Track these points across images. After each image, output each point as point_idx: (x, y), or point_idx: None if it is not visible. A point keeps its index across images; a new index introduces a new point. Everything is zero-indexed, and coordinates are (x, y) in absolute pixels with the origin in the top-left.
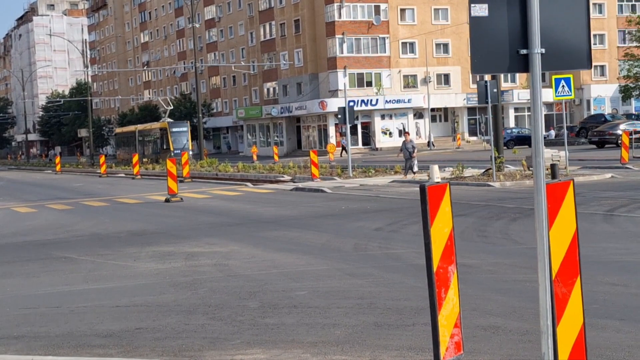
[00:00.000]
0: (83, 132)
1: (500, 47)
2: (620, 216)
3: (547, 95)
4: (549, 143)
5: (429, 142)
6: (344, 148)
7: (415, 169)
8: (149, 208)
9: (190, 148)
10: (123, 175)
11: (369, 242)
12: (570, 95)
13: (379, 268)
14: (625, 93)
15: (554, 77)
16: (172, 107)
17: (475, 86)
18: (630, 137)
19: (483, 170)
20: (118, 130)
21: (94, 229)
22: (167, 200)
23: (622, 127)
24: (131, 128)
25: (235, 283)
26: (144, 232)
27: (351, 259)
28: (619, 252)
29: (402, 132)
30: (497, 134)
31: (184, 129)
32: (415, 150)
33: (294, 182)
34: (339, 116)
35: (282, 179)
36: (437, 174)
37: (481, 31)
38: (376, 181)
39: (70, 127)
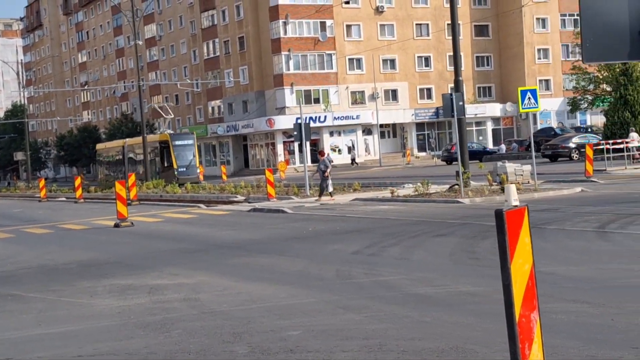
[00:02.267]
0: (19, 156)
1: (618, 30)
2: (615, 232)
3: (494, 110)
4: (508, 157)
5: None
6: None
7: (330, 188)
8: (97, 234)
9: (197, 165)
10: (64, 199)
11: (352, 268)
12: (537, 107)
13: (373, 299)
14: (574, 106)
15: (519, 89)
16: (172, 116)
17: (423, 101)
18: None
19: (448, 187)
20: (100, 146)
21: (41, 259)
22: (116, 225)
23: (575, 141)
24: (118, 142)
25: (213, 322)
26: (97, 263)
27: (337, 288)
28: (636, 274)
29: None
30: (462, 148)
31: (190, 141)
32: (329, 170)
33: (249, 202)
34: (295, 133)
35: (235, 199)
36: (515, 196)
37: (594, 12)
38: (338, 199)
39: (6, 150)
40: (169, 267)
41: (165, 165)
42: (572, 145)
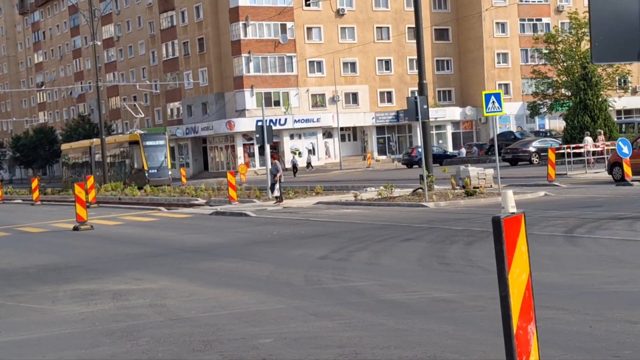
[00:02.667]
0: None
1: (628, 30)
2: (583, 237)
3: (454, 113)
4: (469, 161)
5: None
6: (294, 167)
7: (277, 193)
8: (56, 237)
9: (169, 167)
10: (21, 201)
11: (320, 273)
12: (501, 111)
13: (345, 305)
14: (533, 110)
15: (483, 92)
16: (142, 115)
17: (383, 105)
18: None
19: (412, 190)
20: (65, 146)
21: None
22: (75, 229)
23: (535, 145)
24: (84, 143)
25: (182, 329)
26: (57, 267)
27: (308, 294)
28: (610, 280)
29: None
30: (427, 152)
31: (161, 142)
32: (279, 174)
33: (210, 205)
34: (257, 135)
35: (196, 202)
36: (512, 202)
37: (604, 12)
38: (299, 202)
39: None
40: (132, 272)
41: (135, 166)
42: (532, 149)
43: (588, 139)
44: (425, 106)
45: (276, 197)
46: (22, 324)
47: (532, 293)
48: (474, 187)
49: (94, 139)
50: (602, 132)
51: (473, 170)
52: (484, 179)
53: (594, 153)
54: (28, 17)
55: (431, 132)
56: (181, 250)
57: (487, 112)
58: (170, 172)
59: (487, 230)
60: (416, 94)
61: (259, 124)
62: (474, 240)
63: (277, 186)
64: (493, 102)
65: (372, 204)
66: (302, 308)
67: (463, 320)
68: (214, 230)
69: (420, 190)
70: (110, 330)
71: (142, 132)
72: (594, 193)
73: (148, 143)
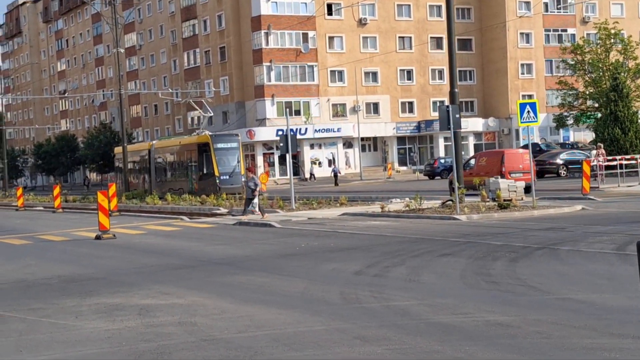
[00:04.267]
0: None
1: None
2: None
3: (476, 124)
4: None
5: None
6: (336, 175)
7: (256, 208)
8: (78, 247)
9: (242, 172)
10: (42, 208)
11: (357, 290)
12: (536, 121)
13: (391, 328)
14: (559, 122)
15: (518, 102)
16: (211, 114)
17: (404, 115)
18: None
19: (440, 202)
20: (120, 149)
21: (18, 273)
22: (97, 237)
23: (563, 157)
24: (143, 145)
25: (216, 352)
26: (80, 278)
27: (347, 314)
28: None
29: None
30: (458, 163)
31: (234, 144)
32: (258, 188)
33: (233, 215)
34: (281, 144)
35: (218, 211)
36: None
37: None
38: (324, 214)
39: None
40: (158, 285)
41: (205, 172)
42: (559, 161)
43: (598, 151)
44: (457, 115)
45: (245, 212)
46: (44, 342)
47: None
48: (505, 200)
49: (154, 141)
50: (601, 146)
51: (503, 182)
52: (515, 191)
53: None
54: (52, 25)
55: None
56: (207, 262)
57: (521, 122)
58: (243, 179)
59: (530, 247)
60: (446, 103)
61: (282, 133)
62: (517, 256)
63: (255, 201)
64: (528, 111)
65: (400, 215)
66: (344, 330)
67: (528, 349)
68: (239, 241)
69: (450, 202)
70: (139, 351)
71: (211, 133)
72: (634, 207)
73: (219, 145)
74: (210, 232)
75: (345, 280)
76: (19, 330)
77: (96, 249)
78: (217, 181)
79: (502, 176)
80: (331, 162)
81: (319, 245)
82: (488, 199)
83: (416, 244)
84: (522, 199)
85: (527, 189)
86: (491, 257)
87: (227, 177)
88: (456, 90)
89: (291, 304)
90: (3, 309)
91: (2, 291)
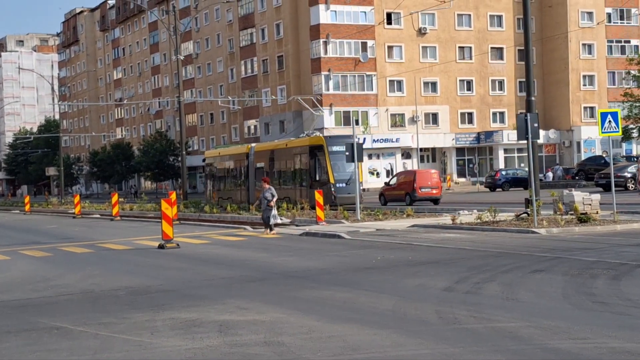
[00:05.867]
0: (51, 171)
1: None
2: None
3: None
4: (555, 185)
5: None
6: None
7: (273, 220)
8: (142, 256)
9: (360, 179)
10: (99, 216)
11: (453, 309)
12: (618, 131)
13: (505, 354)
14: (625, 134)
15: (599, 111)
16: (322, 114)
17: (464, 126)
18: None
19: (514, 215)
20: (211, 153)
21: (84, 283)
22: (161, 247)
23: (630, 170)
24: (240, 149)
25: None
26: (148, 290)
27: (450, 337)
28: None
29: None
30: (535, 174)
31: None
32: (275, 199)
33: (296, 225)
34: (347, 154)
35: (280, 221)
36: None
37: None
38: (391, 225)
39: (38, 165)
40: (233, 299)
41: (318, 179)
42: (627, 174)
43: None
44: (535, 124)
45: (270, 226)
46: None
47: None
48: (581, 213)
49: (252, 144)
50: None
51: (578, 195)
52: (590, 204)
53: None
54: (109, 33)
55: (513, 155)
56: (280, 275)
57: (602, 132)
58: (361, 186)
59: (628, 263)
60: (525, 112)
61: (349, 141)
62: (618, 274)
63: (274, 212)
64: (610, 121)
65: (474, 228)
66: (453, 355)
67: None
68: (309, 252)
69: (524, 214)
70: None
71: (325, 135)
72: None
73: (335, 149)
74: (277, 243)
75: (436, 297)
76: (92, 349)
77: (161, 259)
78: (333, 189)
79: (414, 191)
80: (389, 172)
81: (396, 258)
82: (563, 212)
83: (501, 258)
84: (597, 212)
85: (436, 201)
86: (588, 275)
87: (344, 184)
88: (532, 98)
89: (384, 323)
90: (72, 322)
91: (68, 303)
